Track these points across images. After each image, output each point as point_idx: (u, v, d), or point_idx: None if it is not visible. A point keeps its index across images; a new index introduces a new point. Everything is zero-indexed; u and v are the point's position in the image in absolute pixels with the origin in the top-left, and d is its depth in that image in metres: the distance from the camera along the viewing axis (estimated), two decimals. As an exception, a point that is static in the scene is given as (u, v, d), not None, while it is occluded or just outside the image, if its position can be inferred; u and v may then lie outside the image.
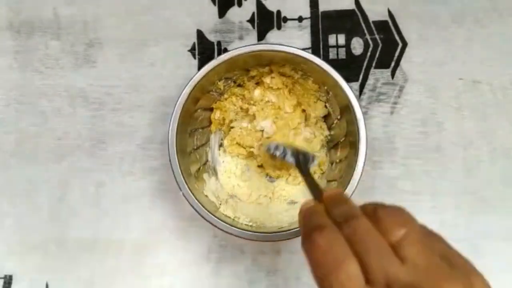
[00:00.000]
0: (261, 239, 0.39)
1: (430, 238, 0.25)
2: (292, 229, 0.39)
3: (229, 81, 0.45)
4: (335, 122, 0.45)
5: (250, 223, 0.42)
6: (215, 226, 0.39)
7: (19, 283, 0.48)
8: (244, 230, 0.39)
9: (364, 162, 0.39)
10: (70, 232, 0.48)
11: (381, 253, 0.24)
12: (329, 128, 0.46)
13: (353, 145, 0.40)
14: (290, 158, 0.40)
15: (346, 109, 0.41)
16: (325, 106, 0.45)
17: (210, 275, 0.48)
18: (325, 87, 0.43)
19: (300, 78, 0.44)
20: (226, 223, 0.39)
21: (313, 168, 0.46)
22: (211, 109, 0.46)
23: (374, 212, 0.26)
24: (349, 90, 0.40)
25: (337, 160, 0.44)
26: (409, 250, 0.24)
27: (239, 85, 0.46)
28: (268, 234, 0.39)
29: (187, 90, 0.40)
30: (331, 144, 0.46)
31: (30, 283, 0.48)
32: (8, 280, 0.48)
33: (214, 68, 0.40)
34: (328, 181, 0.44)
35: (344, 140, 0.43)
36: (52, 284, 0.48)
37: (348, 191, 0.39)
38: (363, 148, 0.39)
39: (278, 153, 0.41)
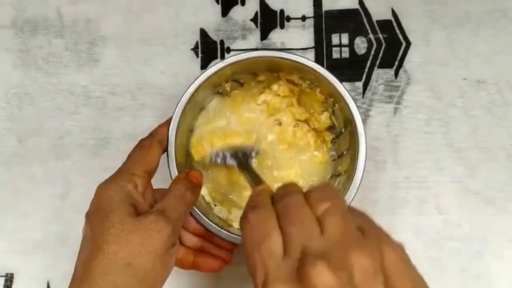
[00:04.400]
0: None
1: (354, 213, 0.26)
2: None
3: (236, 84, 0.44)
4: (339, 134, 0.44)
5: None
6: (206, 228, 0.39)
7: (21, 282, 0.48)
8: (234, 234, 0.39)
9: (362, 176, 0.39)
10: (72, 230, 0.48)
11: (303, 225, 0.24)
12: (333, 140, 0.45)
13: (353, 159, 0.39)
14: (230, 161, 0.41)
15: (350, 122, 0.41)
16: (330, 118, 0.45)
17: (210, 276, 0.47)
18: (331, 99, 0.42)
19: (307, 88, 0.43)
20: (218, 225, 0.39)
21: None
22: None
23: (308, 191, 0.27)
24: (353, 104, 0.39)
25: (338, 174, 0.43)
26: (329, 222, 0.24)
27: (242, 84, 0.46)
28: None
29: (191, 89, 0.40)
30: (335, 156, 0.45)
31: (31, 282, 0.48)
32: (9, 279, 0.48)
33: (220, 70, 0.40)
34: None
35: (346, 153, 0.42)
36: (54, 282, 0.48)
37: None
38: (362, 164, 0.39)
39: (219, 160, 0.42)
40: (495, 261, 0.46)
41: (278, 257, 0.24)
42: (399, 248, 0.24)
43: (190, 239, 0.39)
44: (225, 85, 0.43)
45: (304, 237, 0.24)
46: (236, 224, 0.42)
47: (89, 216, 0.34)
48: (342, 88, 0.39)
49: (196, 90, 0.40)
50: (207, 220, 0.39)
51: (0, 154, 0.49)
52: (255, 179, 0.35)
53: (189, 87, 0.40)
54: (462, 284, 0.46)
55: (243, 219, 0.27)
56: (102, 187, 0.34)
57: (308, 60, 0.40)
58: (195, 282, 0.48)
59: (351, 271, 0.22)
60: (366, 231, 0.24)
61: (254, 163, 0.40)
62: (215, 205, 0.43)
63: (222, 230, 0.39)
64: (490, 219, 0.47)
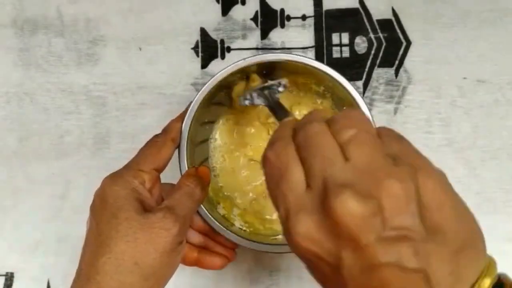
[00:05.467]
0: (253, 247, 0.39)
1: (387, 138, 0.24)
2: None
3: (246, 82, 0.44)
4: None
5: (244, 228, 0.42)
6: (211, 226, 0.39)
7: (21, 281, 0.48)
8: (236, 235, 0.39)
9: None
10: (72, 229, 0.48)
11: (325, 154, 0.23)
12: None
13: None
14: (257, 100, 0.39)
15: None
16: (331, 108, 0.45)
17: (212, 274, 0.47)
18: (344, 107, 0.42)
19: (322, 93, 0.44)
20: (221, 224, 0.39)
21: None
22: (221, 104, 0.46)
23: (331, 117, 0.25)
24: (367, 112, 0.39)
25: None
26: (353, 150, 0.22)
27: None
28: (259, 244, 0.39)
29: (208, 86, 0.39)
30: None
31: (31, 281, 0.48)
32: (9, 278, 0.48)
33: (238, 69, 0.40)
34: None
35: None
36: (54, 281, 0.48)
37: None
38: None
39: (247, 102, 0.39)
40: (497, 261, 0.46)
41: (300, 190, 0.23)
42: (438, 176, 0.23)
43: (194, 236, 0.39)
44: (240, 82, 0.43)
45: (326, 168, 0.22)
46: (237, 223, 0.42)
47: (94, 209, 0.34)
48: (358, 96, 0.39)
49: (213, 87, 0.40)
50: (212, 218, 0.39)
51: (0, 153, 0.49)
52: (284, 114, 0.33)
53: (206, 84, 0.39)
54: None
55: (263, 157, 0.25)
56: (109, 181, 0.34)
57: (328, 67, 0.39)
58: (198, 276, 0.48)
59: (380, 200, 0.21)
60: (399, 158, 0.23)
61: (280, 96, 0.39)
62: (218, 203, 0.43)
63: (226, 230, 0.39)
64: (490, 219, 0.47)
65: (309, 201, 0.22)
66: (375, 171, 0.22)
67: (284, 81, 0.39)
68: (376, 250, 0.20)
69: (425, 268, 0.20)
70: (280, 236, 0.41)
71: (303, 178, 0.23)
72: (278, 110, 0.35)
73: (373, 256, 0.20)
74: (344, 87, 0.40)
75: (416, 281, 0.20)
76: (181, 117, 0.39)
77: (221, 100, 0.44)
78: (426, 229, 0.21)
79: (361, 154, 0.22)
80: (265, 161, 0.25)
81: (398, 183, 0.21)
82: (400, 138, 0.25)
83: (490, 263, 0.24)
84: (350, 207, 0.20)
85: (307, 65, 0.40)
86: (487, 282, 0.23)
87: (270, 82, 0.39)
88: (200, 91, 0.39)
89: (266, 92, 0.38)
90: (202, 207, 0.38)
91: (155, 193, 0.35)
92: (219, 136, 0.46)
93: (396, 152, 0.23)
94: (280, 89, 0.39)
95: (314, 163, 0.23)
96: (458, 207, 0.23)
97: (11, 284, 0.48)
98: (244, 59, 0.39)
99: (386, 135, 0.24)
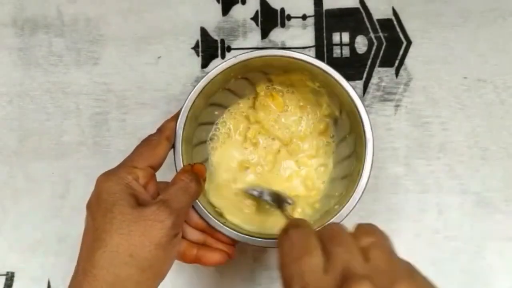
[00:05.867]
0: (251, 242, 0.39)
1: (397, 255, 0.26)
2: None
3: (247, 82, 0.44)
4: (337, 120, 0.44)
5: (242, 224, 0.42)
6: (208, 223, 0.39)
7: (21, 280, 0.48)
8: (235, 231, 0.39)
9: (368, 181, 0.39)
10: (72, 229, 0.48)
11: (347, 248, 0.25)
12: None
13: (359, 161, 0.39)
14: (267, 197, 0.42)
15: (344, 106, 0.41)
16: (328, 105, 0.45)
17: (212, 272, 0.47)
18: (339, 104, 0.42)
19: (317, 89, 0.43)
20: (219, 221, 0.39)
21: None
22: (220, 105, 0.46)
23: (354, 226, 0.28)
24: (364, 114, 0.39)
25: (347, 156, 0.43)
26: (374, 254, 0.25)
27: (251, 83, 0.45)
28: (258, 239, 0.39)
29: (201, 84, 0.39)
30: (336, 140, 0.45)
31: (32, 280, 0.48)
32: (10, 277, 0.48)
33: (231, 67, 0.40)
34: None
35: (349, 136, 0.42)
36: (54, 281, 0.48)
37: (350, 205, 0.39)
38: (368, 168, 0.39)
39: (255, 193, 0.43)
40: (496, 260, 0.46)
41: (319, 273, 0.24)
42: None
43: (193, 233, 0.39)
44: (233, 81, 0.43)
45: (348, 259, 0.24)
46: (230, 218, 0.42)
47: (90, 206, 0.34)
48: (353, 92, 0.39)
49: (206, 85, 0.40)
50: (209, 215, 0.39)
51: (0, 153, 0.49)
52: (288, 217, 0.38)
53: (199, 82, 0.40)
54: (463, 284, 0.46)
55: (283, 234, 0.27)
56: (103, 178, 0.35)
57: (323, 63, 0.40)
58: (197, 276, 0.48)
59: None
60: (413, 274, 0.25)
61: (287, 209, 0.41)
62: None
63: (224, 226, 0.39)
64: (490, 219, 0.47)
65: (327, 284, 0.24)
66: (393, 273, 0.24)
67: (292, 200, 0.42)
68: None
69: None
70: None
71: (322, 264, 0.25)
72: (283, 213, 0.39)
73: None
74: (340, 84, 0.39)
75: None
76: (175, 116, 0.39)
77: (220, 101, 0.44)
78: None
79: (380, 258, 0.25)
80: (286, 238, 0.27)
81: (415, 286, 0.23)
82: (409, 263, 0.27)
83: None
84: None
85: (300, 60, 0.40)
86: None
87: (283, 193, 0.43)
88: (193, 91, 0.40)
89: (275, 196, 0.42)
90: (199, 204, 0.39)
91: (150, 189, 0.36)
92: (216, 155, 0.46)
93: (408, 269, 0.25)
94: (290, 201, 0.42)
95: (337, 253, 0.25)
96: None
97: (11, 284, 0.48)
98: (235, 56, 0.39)
99: (396, 254, 0.27)
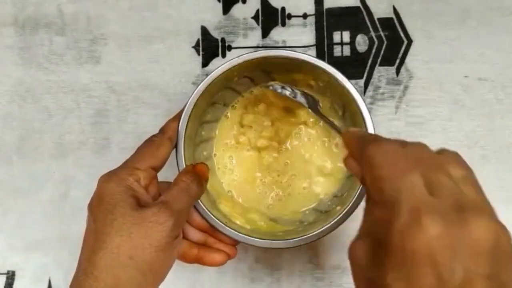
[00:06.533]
0: (253, 243, 0.39)
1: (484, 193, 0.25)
2: (287, 239, 0.39)
3: (249, 80, 0.44)
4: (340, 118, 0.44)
5: (245, 225, 0.42)
6: (210, 224, 0.39)
7: (22, 279, 0.48)
8: (238, 232, 0.39)
9: None
10: (73, 228, 0.48)
11: (448, 176, 0.23)
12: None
13: None
14: (301, 98, 0.40)
15: (348, 105, 0.41)
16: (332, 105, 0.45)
17: (213, 273, 0.47)
18: (342, 104, 0.42)
19: (320, 89, 0.44)
20: (221, 221, 0.39)
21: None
22: (224, 104, 0.46)
23: (438, 150, 0.26)
24: (367, 116, 0.40)
25: None
26: (467, 189, 0.23)
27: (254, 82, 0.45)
28: (259, 240, 0.39)
29: (204, 84, 0.39)
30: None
31: (33, 279, 0.48)
32: (10, 276, 0.48)
33: (233, 67, 0.40)
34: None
35: None
36: (55, 280, 0.48)
37: (353, 207, 0.39)
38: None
39: (287, 93, 0.40)
40: None
41: (427, 193, 0.23)
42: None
43: (194, 234, 0.39)
44: (239, 81, 0.43)
45: (454, 189, 0.23)
46: (239, 222, 0.42)
47: (91, 207, 0.34)
48: (356, 92, 0.39)
49: (209, 85, 0.40)
50: (211, 215, 0.39)
51: (1, 152, 0.49)
52: (325, 120, 0.37)
53: (202, 82, 0.40)
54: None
55: (375, 144, 0.26)
56: (104, 179, 0.35)
57: (326, 64, 0.40)
58: (198, 276, 0.48)
59: (499, 241, 0.22)
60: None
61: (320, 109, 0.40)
62: (219, 201, 0.43)
63: (226, 227, 0.39)
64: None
65: (442, 207, 0.22)
66: (490, 214, 0.23)
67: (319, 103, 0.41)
68: (482, 285, 0.21)
69: None
70: (280, 234, 0.41)
71: (424, 185, 0.23)
72: (321, 117, 0.37)
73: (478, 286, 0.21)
74: (342, 85, 0.40)
75: None
76: (178, 116, 0.39)
77: (222, 99, 0.44)
78: None
79: (476, 195, 0.24)
80: (379, 146, 0.25)
81: (508, 234, 0.22)
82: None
83: None
84: (487, 231, 0.21)
85: (303, 61, 0.40)
86: None
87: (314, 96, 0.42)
88: (196, 90, 0.40)
89: (309, 98, 0.40)
90: (201, 204, 0.39)
91: (151, 191, 0.36)
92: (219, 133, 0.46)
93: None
94: (321, 105, 0.40)
95: (440, 179, 0.23)
96: None
97: (12, 283, 0.48)
98: (238, 56, 0.39)
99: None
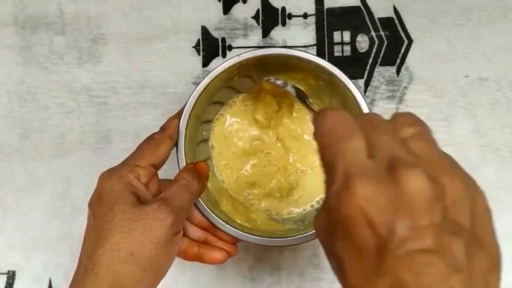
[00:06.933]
0: (253, 241, 0.39)
1: (440, 148, 0.25)
2: (287, 237, 0.39)
3: (249, 79, 0.44)
4: None
5: (245, 224, 0.42)
6: (211, 222, 0.39)
7: (22, 279, 0.48)
8: (238, 230, 0.39)
9: None
10: (73, 227, 0.48)
11: (389, 137, 0.23)
12: None
13: None
14: (291, 89, 0.41)
15: (347, 103, 0.41)
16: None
17: (213, 272, 0.47)
18: (342, 103, 0.42)
19: (320, 87, 0.43)
20: (222, 220, 0.39)
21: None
22: (224, 103, 0.46)
23: (392, 115, 0.26)
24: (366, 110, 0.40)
25: None
26: (416, 146, 0.23)
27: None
28: (259, 238, 0.39)
29: (205, 82, 0.39)
30: None
31: (33, 279, 0.48)
32: (11, 276, 0.48)
33: (233, 66, 0.40)
34: None
35: None
36: (55, 280, 0.48)
37: None
38: None
39: (279, 82, 0.42)
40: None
41: (363, 156, 0.22)
42: (486, 198, 0.24)
43: (195, 231, 0.39)
44: (238, 80, 0.43)
45: (393, 148, 0.23)
46: (240, 220, 0.42)
47: (91, 204, 0.34)
48: (357, 91, 0.39)
49: (209, 83, 0.40)
50: (212, 213, 0.39)
51: (2, 151, 0.49)
52: (311, 110, 0.38)
53: (203, 80, 0.40)
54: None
55: (321, 114, 0.25)
56: (104, 176, 0.35)
57: (326, 62, 0.40)
58: (199, 274, 0.48)
59: (444, 190, 0.21)
60: (456, 167, 0.23)
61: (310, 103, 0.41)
62: (220, 200, 0.43)
63: (227, 225, 0.39)
64: (494, 217, 0.47)
65: (373, 168, 0.22)
66: (439, 165, 0.22)
67: (310, 100, 0.41)
68: (430, 235, 0.20)
69: (468, 272, 0.21)
70: (280, 232, 0.41)
71: (365, 148, 0.23)
72: (306, 106, 0.39)
73: (425, 239, 0.20)
74: (343, 83, 0.39)
75: (459, 281, 0.20)
76: (178, 114, 0.40)
77: (223, 99, 0.44)
78: (473, 236, 0.22)
79: (423, 149, 0.23)
80: (323, 117, 0.25)
81: (460, 180, 0.22)
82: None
83: None
84: (420, 183, 0.20)
85: (304, 59, 0.40)
86: None
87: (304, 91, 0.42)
88: (196, 88, 0.40)
89: (298, 91, 0.41)
90: (201, 202, 0.39)
91: (152, 188, 0.36)
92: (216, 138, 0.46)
93: (450, 160, 0.24)
94: (311, 100, 0.41)
95: (380, 140, 0.23)
96: (495, 231, 0.24)
97: (12, 283, 0.48)
98: (238, 55, 0.39)
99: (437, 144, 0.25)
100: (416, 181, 0.21)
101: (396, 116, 0.25)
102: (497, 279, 0.23)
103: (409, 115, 0.25)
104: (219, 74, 0.40)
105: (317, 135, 0.25)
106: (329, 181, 0.23)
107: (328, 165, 0.23)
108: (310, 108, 0.38)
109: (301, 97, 0.40)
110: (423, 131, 0.24)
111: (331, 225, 0.22)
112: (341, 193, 0.22)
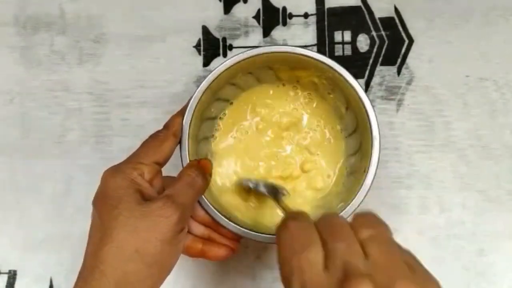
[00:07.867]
0: (256, 238, 0.39)
1: (397, 246, 0.26)
2: None
3: (253, 77, 0.44)
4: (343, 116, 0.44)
5: (248, 220, 0.42)
6: (214, 219, 0.39)
7: (24, 278, 0.48)
8: (241, 227, 0.39)
9: (373, 180, 0.39)
10: (74, 227, 0.48)
11: (348, 244, 0.24)
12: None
13: (365, 159, 0.39)
14: (262, 189, 0.41)
15: (350, 102, 0.41)
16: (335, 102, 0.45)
17: (214, 270, 0.48)
18: (345, 100, 0.42)
19: (323, 86, 0.43)
20: (225, 216, 0.39)
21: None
22: (227, 101, 0.46)
23: (353, 216, 0.27)
24: (370, 108, 0.39)
25: (353, 153, 0.43)
26: (373, 248, 0.24)
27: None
28: (262, 235, 0.39)
29: (209, 79, 0.40)
30: (346, 134, 0.45)
31: (34, 279, 0.48)
32: (12, 275, 0.48)
33: (237, 63, 0.40)
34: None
35: (355, 132, 0.42)
36: (56, 279, 0.48)
37: (354, 204, 0.39)
38: (373, 168, 0.39)
39: (251, 185, 0.42)
40: (499, 258, 0.46)
41: (319, 269, 0.24)
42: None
43: (198, 228, 0.39)
44: (242, 77, 0.43)
45: (349, 255, 0.24)
46: (239, 215, 0.42)
47: (96, 202, 0.34)
48: (360, 89, 0.39)
49: (213, 81, 0.40)
50: (215, 210, 0.39)
51: (3, 151, 0.49)
52: (283, 208, 0.37)
53: (206, 77, 0.40)
54: (466, 282, 0.46)
55: (282, 226, 0.26)
56: (108, 173, 0.35)
57: (330, 60, 0.40)
58: (200, 273, 0.48)
59: None
60: (412, 266, 0.24)
61: (283, 200, 0.41)
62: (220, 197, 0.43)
63: (230, 222, 0.39)
64: (493, 217, 0.47)
65: (327, 282, 0.23)
66: (393, 271, 0.23)
67: (286, 191, 0.42)
68: None
69: None
70: None
71: (322, 259, 0.24)
72: (282, 207, 0.38)
73: None
74: (347, 81, 0.39)
75: None
76: (182, 112, 0.40)
77: (226, 96, 0.44)
78: None
79: (379, 253, 0.24)
80: (285, 230, 0.26)
81: (414, 286, 0.22)
82: (409, 250, 0.26)
83: None
84: None
85: (308, 57, 0.40)
86: None
87: (277, 184, 0.43)
88: (200, 86, 0.40)
89: (270, 188, 0.41)
90: (205, 199, 0.39)
91: (156, 185, 0.36)
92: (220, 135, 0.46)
93: (406, 259, 0.25)
94: (285, 192, 0.41)
95: (337, 248, 0.24)
96: None
97: (13, 282, 0.48)
98: (242, 52, 0.39)
99: (398, 244, 0.26)
100: None
101: (357, 217, 0.27)
102: None
103: (369, 215, 0.27)
104: (222, 72, 0.40)
105: (278, 248, 0.26)
106: None
107: (286, 279, 0.25)
108: (282, 207, 0.38)
109: (274, 194, 0.40)
110: (381, 232, 0.25)
111: None
112: None
